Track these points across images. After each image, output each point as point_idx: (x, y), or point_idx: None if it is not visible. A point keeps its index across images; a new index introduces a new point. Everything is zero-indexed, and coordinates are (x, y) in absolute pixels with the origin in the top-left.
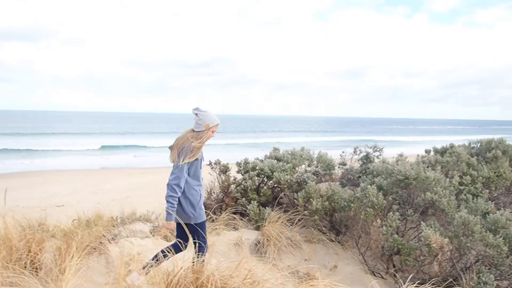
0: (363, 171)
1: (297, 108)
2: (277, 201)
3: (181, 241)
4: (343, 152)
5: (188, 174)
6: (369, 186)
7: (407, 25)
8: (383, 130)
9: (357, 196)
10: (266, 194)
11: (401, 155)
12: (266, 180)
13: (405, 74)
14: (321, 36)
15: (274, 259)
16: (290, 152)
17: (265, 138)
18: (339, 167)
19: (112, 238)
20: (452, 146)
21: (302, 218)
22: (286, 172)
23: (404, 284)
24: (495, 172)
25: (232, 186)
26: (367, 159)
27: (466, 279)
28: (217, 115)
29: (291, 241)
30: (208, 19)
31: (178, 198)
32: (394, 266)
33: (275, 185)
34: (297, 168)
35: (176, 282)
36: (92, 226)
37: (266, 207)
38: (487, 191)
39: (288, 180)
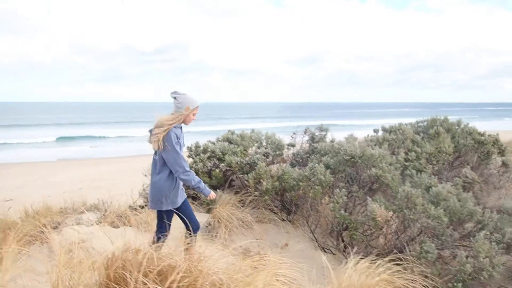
0: (312, 151)
1: (255, 95)
2: (228, 183)
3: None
4: (294, 133)
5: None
6: (317, 164)
7: (361, 10)
8: (341, 114)
9: (306, 175)
10: (218, 177)
11: (351, 135)
12: (217, 163)
13: (361, 59)
14: (278, 22)
15: (225, 240)
16: (239, 135)
17: (222, 125)
18: (288, 148)
19: (55, 227)
20: (400, 125)
21: (254, 199)
22: (237, 154)
23: (350, 257)
24: (436, 148)
25: None
26: (313, 139)
27: (410, 250)
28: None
29: (243, 222)
30: (161, 7)
31: (153, 184)
32: (343, 242)
33: (227, 168)
34: (248, 150)
35: (114, 263)
36: (37, 217)
37: (218, 190)
38: (431, 166)
39: (239, 162)
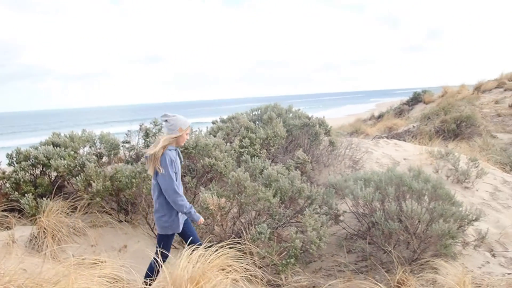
0: (147, 147)
1: (99, 98)
2: (57, 190)
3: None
4: (128, 130)
5: None
6: None
7: (203, 9)
8: (191, 112)
9: (139, 170)
10: (44, 185)
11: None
12: (44, 169)
13: (208, 57)
14: (117, 21)
15: (54, 251)
16: (68, 136)
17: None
18: (123, 146)
19: None
20: (236, 114)
21: (87, 204)
22: (65, 157)
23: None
24: (271, 132)
25: (3, 181)
26: (147, 134)
27: (246, 233)
28: None
29: (74, 229)
30: None
31: (155, 211)
32: None
33: (58, 174)
34: (80, 152)
35: None
36: None
37: (44, 198)
38: (265, 151)
39: (66, 166)
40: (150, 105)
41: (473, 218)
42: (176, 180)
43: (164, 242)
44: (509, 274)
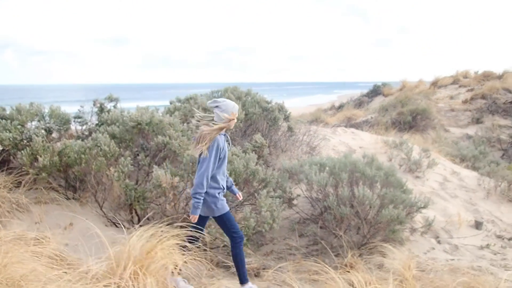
0: (100, 123)
1: (62, 76)
2: (1, 164)
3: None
4: (82, 106)
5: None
6: (100, 135)
7: None
8: (153, 95)
9: (89, 146)
10: None
11: (139, 106)
12: None
13: (174, 41)
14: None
15: None
16: (16, 108)
17: None
18: (75, 121)
19: None
20: (194, 95)
21: (33, 180)
22: (10, 130)
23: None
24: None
25: None
26: (102, 110)
27: None
28: None
29: (17, 205)
30: None
31: (208, 191)
32: (136, 214)
33: (3, 148)
34: (27, 126)
35: None
36: None
37: None
38: None
39: (11, 138)
40: (115, 85)
41: (422, 206)
42: (222, 164)
43: (227, 221)
44: (452, 260)
